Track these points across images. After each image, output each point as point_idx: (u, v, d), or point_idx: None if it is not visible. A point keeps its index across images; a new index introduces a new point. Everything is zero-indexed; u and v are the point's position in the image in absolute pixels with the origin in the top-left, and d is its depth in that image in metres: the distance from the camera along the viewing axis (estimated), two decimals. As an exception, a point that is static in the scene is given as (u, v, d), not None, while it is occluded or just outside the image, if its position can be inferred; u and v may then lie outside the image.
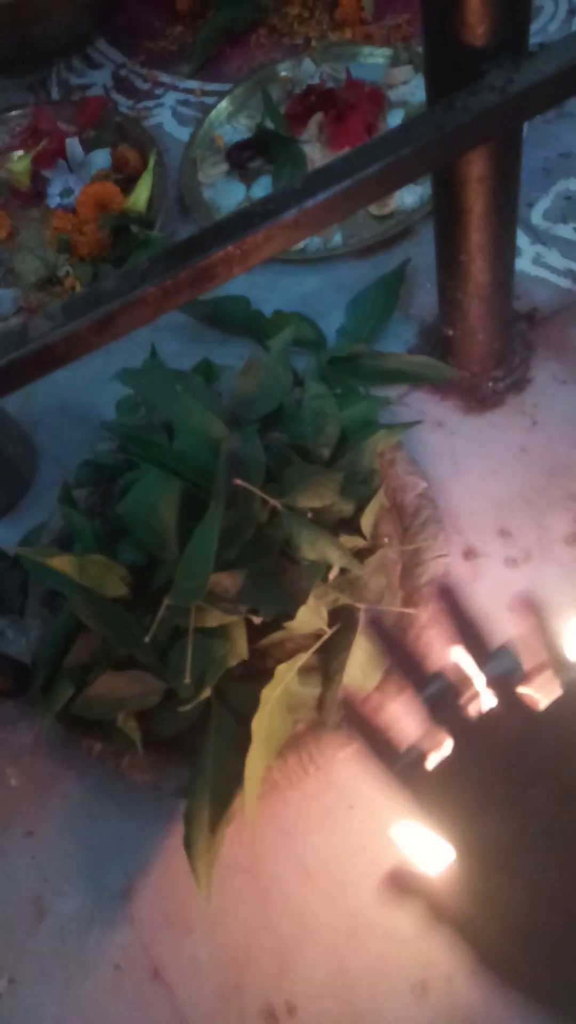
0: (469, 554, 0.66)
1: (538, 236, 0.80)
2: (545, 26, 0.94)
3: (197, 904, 0.57)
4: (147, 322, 0.41)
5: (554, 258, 0.78)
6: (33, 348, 0.39)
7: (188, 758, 0.58)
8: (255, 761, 0.54)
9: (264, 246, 0.42)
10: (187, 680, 0.53)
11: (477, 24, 0.45)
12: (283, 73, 0.94)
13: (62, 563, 0.56)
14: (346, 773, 0.59)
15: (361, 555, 0.61)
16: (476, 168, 0.50)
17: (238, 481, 0.56)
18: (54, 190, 0.87)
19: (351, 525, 0.63)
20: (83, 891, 0.60)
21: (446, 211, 0.55)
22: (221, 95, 0.94)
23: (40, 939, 0.59)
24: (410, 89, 0.90)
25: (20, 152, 0.91)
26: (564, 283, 0.77)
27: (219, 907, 0.57)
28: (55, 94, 1.03)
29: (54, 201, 0.87)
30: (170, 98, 0.99)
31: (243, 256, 0.42)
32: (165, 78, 1.01)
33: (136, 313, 0.41)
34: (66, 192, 0.87)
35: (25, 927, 0.60)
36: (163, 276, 0.41)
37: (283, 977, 0.54)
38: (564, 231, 0.79)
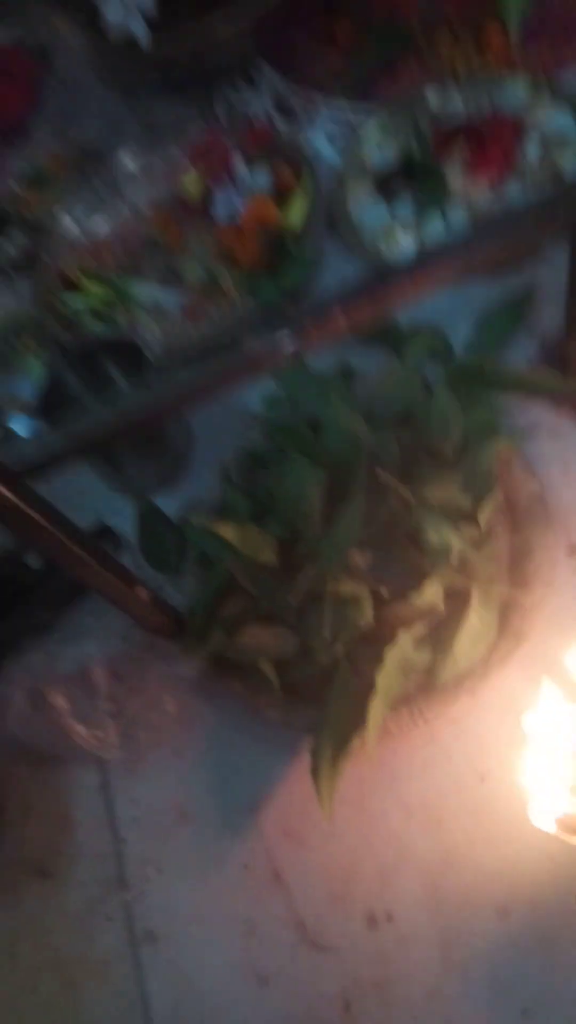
0: (572, 551, 0.74)
1: None
2: None
3: (314, 823, 0.68)
4: (331, 340, 0.52)
5: None
6: (245, 357, 0.50)
7: (313, 702, 0.69)
8: (376, 709, 0.64)
9: (425, 284, 0.52)
10: (327, 637, 0.64)
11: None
12: (430, 100, 1.02)
13: (228, 531, 0.67)
14: (449, 730, 0.69)
15: (475, 544, 0.71)
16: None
17: (380, 471, 0.66)
18: (220, 205, 0.99)
19: (469, 516, 0.72)
20: (219, 804, 0.72)
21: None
22: (371, 118, 1.03)
23: (182, 839, 0.72)
24: (549, 117, 0.97)
25: (192, 169, 1.03)
26: None
27: (332, 830, 0.68)
28: (220, 111, 1.14)
29: (219, 215, 0.99)
30: (324, 119, 1.08)
31: (415, 290, 0.51)
32: (320, 100, 1.10)
33: (326, 333, 0.51)
34: (230, 207, 0.98)
35: (170, 829, 0.72)
36: (350, 305, 0.51)
37: (383, 891, 0.65)
38: None
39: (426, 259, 0.51)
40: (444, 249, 0.52)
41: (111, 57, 1.12)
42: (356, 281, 0.52)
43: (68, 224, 1.08)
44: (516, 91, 0.99)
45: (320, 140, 1.06)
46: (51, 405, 0.81)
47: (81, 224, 1.08)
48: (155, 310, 0.98)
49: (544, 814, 0.59)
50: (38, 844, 0.75)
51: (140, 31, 1.02)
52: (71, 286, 1.02)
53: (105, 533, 0.85)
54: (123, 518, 0.86)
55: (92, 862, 0.73)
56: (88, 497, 0.88)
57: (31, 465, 0.56)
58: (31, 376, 0.91)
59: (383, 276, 0.51)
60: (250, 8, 1.07)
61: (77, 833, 0.74)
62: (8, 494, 0.51)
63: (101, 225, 1.07)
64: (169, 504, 0.86)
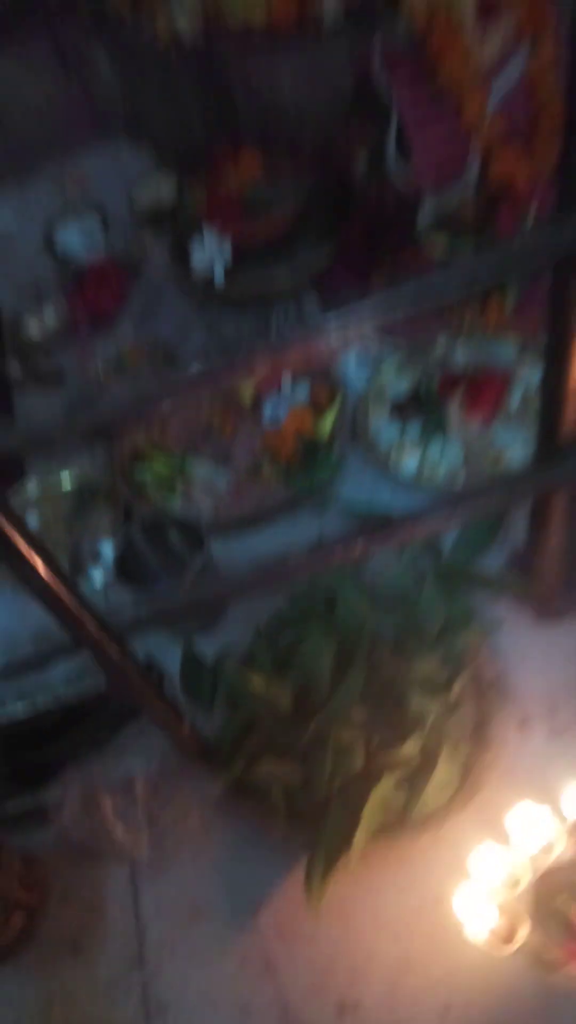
0: (522, 724, 0.95)
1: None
2: None
3: (303, 925, 0.85)
4: (351, 560, 0.74)
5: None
6: (290, 568, 0.73)
7: (311, 826, 0.88)
8: (361, 836, 0.83)
9: (428, 529, 0.75)
10: (327, 774, 0.84)
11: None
12: (440, 346, 1.30)
13: (257, 682, 0.88)
14: (416, 858, 0.87)
15: (447, 710, 0.91)
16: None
17: (378, 648, 0.88)
18: (267, 410, 1.25)
19: (444, 688, 0.93)
20: (227, 903, 0.89)
21: (543, 504, 0.87)
22: (392, 354, 1.31)
23: (194, 930, 0.89)
24: (533, 372, 1.24)
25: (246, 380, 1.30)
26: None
27: (317, 932, 0.85)
28: (273, 330, 1.43)
29: (266, 417, 1.25)
30: (355, 348, 1.37)
31: (419, 533, 0.75)
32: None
33: (349, 555, 0.74)
34: (275, 413, 1.24)
35: (185, 920, 0.89)
36: (369, 538, 0.74)
37: (353, 984, 0.82)
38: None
39: (429, 513, 0.75)
40: (443, 505, 0.76)
41: (190, 284, 1.42)
42: (375, 522, 0.75)
43: (142, 406, 1.34)
44: (507, 350, 1.27)
45: (350, 365, 1.33)
46: (124, 563, 1.03)
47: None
48: (207, 485, 1.22)
49: (478, 932, 0.76)
50: (73, 924, 0.92)
51: (219, 276, 1.31)
52: (140, 458, 1.27)
53: (152, 666, 1.05)
54: (164, 652, 1.06)
55: (118, 942, 0.89)
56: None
57: (126, 627, 0.78)
58: (107, 535, 1.14)
59: (398, 521, 0.75)
60: (308, 264, 1.37)
61: (107, 917, 0.91)
62: (115, 652, 0.72)
63: (169, 409, 1.33)
64: (207, 646, 1.06)
